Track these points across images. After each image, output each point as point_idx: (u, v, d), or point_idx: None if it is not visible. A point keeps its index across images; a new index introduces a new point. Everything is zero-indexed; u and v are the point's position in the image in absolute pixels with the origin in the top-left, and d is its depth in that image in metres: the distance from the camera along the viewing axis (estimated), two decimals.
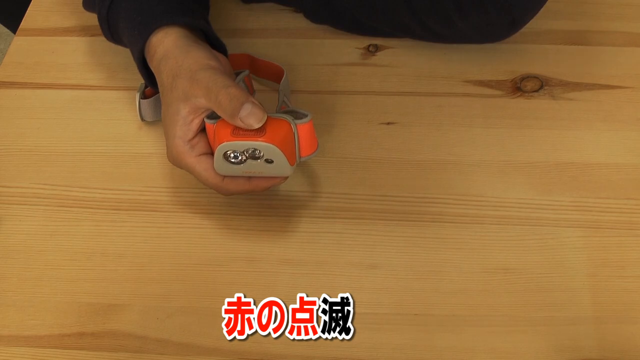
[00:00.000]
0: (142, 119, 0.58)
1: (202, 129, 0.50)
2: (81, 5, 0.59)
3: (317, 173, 0.56)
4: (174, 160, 0.51)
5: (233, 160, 0.48)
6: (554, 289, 0.50)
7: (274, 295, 0.50)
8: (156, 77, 0.51)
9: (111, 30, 0.55)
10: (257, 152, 0.47)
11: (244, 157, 0.48)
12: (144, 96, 0.58)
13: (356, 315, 0.49)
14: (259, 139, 0.46)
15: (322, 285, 0.50)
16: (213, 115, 0.49)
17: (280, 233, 0.53)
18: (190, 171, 0.50)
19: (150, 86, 0.55)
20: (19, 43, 0.66)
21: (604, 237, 0.52)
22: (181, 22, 0.51)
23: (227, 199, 0.55)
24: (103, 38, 0.57)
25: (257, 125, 0.46)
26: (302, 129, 0.49)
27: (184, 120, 0.49)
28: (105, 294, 0.51)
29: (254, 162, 0.48)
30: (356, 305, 0.50)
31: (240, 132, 0.47)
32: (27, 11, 0.69)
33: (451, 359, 0.47)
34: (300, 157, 0.50)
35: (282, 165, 0.48)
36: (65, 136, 0.59)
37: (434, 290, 0.50)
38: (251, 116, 0.46)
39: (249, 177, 0.50)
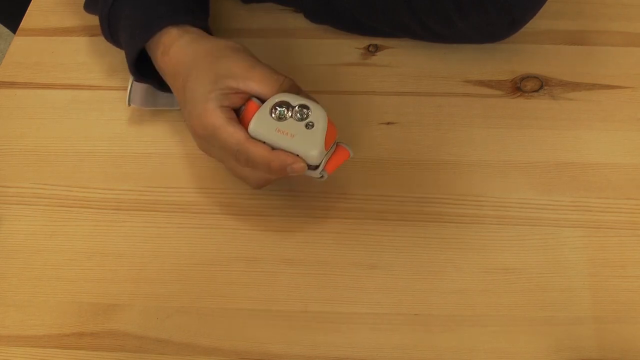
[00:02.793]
0: (129, 103, 0.57)
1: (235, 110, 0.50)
2: (80, 5, 0.59)
3: None
4: (197, 121, 0.48)
5: (275, 115, 0.48)
6: (554, 289, 0.50)
7: (273, 295, 0.50)
8: (179, 58, 0.51)
9: (111, 29, 0.55)
10: (305, 113, 0.48)
11: (289, 115, 0.48)
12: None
13: (356, 316, 0.49)
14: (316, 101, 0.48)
15: (322, 285, 0.50)
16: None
17: (280, 233, 0.53)
18: (214, 130, 0.48)
19: (141, 81, 0.55)
20: (19, 43, 0.66)
21: (604, 237, 0.52)
22: (190, 22, 0.52)
23: (227, 199, 0.55)
24: (103, 38, 0.57)
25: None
26: (341, 150, 0.49)
27: (222, 91, 0.48)
28: (105, 294, 0.51)
29: (294, 122, 0.47)
30: (356, 306, 0.50)
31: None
32: (27, 11, 0.69)
33: (451, 359, 0.47)
34: (324, 164, 0.49)
35: (317, 137, 0.47)
36: (65, 136, 0.59)
37: (434, 290, 0.50)
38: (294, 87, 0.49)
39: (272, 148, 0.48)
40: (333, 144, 0.49)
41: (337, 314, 0.49)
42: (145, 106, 0.58)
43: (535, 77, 0.61)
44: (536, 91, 0.60)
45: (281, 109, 0.48)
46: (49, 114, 0.61)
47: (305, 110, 0.48)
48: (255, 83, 0.48)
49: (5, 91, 0.63)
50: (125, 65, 0.54)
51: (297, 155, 0.47)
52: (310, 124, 0.47)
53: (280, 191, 0.55)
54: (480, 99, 0.60)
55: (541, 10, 0.58)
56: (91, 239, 0.53)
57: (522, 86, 0.61)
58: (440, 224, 0.53)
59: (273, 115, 0.48)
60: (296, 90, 0.50)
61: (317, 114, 0.48)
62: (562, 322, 0.48)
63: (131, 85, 0.57)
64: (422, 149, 0.57)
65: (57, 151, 0.58)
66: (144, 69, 0.54)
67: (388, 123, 0.59)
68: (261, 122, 0.48)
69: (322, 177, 0.49)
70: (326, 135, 0.47)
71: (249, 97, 0.49)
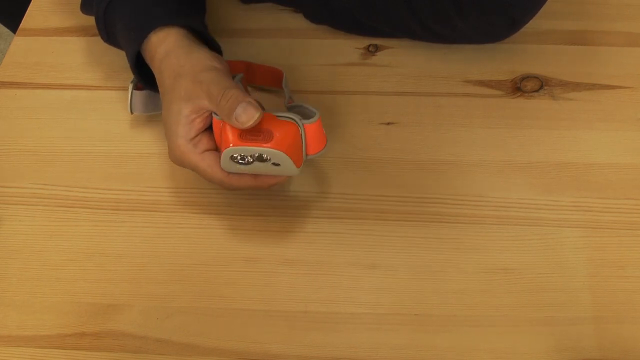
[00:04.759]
0: (132, 111, 0.57)
1: (206, 129, 0.50)
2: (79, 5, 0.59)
3: (317, 173, 0.56)
4: (177, 159, 0.51)
5: (240, 161, 0.48)
6: (554, 289, 0.50)
7: (273, 295, 0.50)
8: (157, 76, 0.52)
9: (107, 30, 0.55)
10: (264, 155, 0.47)
11: (251, 160, 0.48)
12: (136, 88, 0.57)
13: (356, 316, 0.49)
14: (266, 145, 0.47)
15: (322, 285, 0.50)
16: None
17: (280, 233, 0.53)
18: (195, 169, 0.50)
19: (144, 85, 0.55)
20: (19, 43, 0.66)
21: (604, 237, 0.52)
22: (181, 23, 0.52)
23: (226, 199, 0.55)
24: None
25: (249, 123, 0.46)
26: (310, 128, 0.49)
27: (186, 120, 0.49)
28: (105, 294, 0.51)
29: (260, 164, 0.48)
30: (356, 306, 0.50)
31: (247, 135, 0.47)
32: (27, 11, 0.69)
33: (451, 359, 0.47)
34: (307, 155, 0.50)
35: (288, 168, 0.48)
36: (65, 136, 0.59)
37: (434, 290, 0.50)
38: (244, 114, 0.46)
39: (255, 175, 0.50)
40: (301, 137, 0.49)
41: (337, 314, 0.49)
42: (147, 112, 0.58)
43: (535, 77, 0.61)
44: (536, 91, 0.60)
45: (240, 157, 0.48)
46: (49, 114, 0.61)
47: (263, 155, 0.47)
48: (207, 101, 0.48)
49: (5, 91, 0.63)
50: (126, 65, 0.54)
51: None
52: (276, 163, 0.48)
53: (280, 191, 0.55)
54: (480, 99, 0.60)
55: (542, 10, 0.58)
56: (91, 239, 0.53)
57: (522, 86, 0.61)
58: (440, 224, 0.53)
59: (236, 161, 0.48)
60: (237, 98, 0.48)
61: (275, 156, 0.47)
62: (562, 322, 0.48)
63: (131, 95, 0.57)
64: (422, 149, 0.57)
65: (57, 151, 0.58)
66: (145, 67, 0.54)
67: (388, 123, 0.59)
68: (231, 168, 0.49)
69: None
70: (291, 157, 0.48)
71: (205, 117, 0.49)
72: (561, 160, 0.56)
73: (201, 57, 0.50)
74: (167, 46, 0.50)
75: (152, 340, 0.49)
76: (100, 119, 0.60)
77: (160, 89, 0.51)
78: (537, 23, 0.63)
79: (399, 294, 0.50)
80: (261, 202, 0.55)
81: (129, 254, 0.53)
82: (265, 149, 0.47)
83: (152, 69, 0.52)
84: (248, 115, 0.46)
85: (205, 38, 0.54)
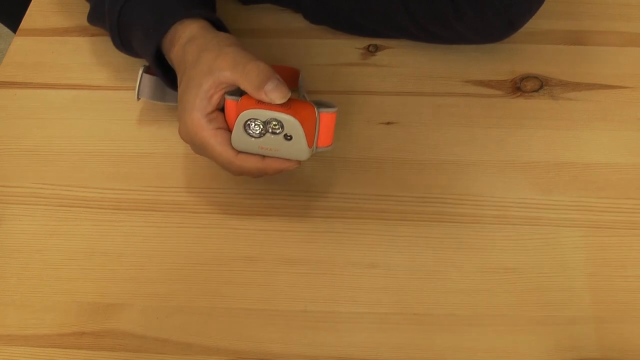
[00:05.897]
0: (139, 96, 0.57)
1: (221, 108, 0.50)
2: (80, 5, 0.59)
3: (317, 173, 0.56)
4: (188, 134, 0.50)
5: (252, 132, 0.48)
6: (554, 289, 0.50)
7: (273, 295, 0.50)
8: (178, 59, 0.52)
9: (122, 38, 0.55)
10: (278, 126, 0.47)
11: (264, 131, 0.48)
12: (147, 72, 0.57)
13: (356, 315, 0.49)
14: (284, 111, 0.47)
15: (322, 285, 0.50)
16: (234, 93, 0.49)
17: (280, 233, 0.53)
18: (204, 145, 0.50)
19: (164, 80, 0.55)
20: (19, 43, 0.66)
21: (604, 236, 0.52)
22: (201, 15, 0.52)
23: (227, 198, 0.55)
24: (103, 38, 0.57)
25: (279, 101, 0.47)
26: (325, 117, 0.49)
27: (205, 94, 0.49)
28: (104, 294, 0.51)
29: (272, 136, 0.48)
30: (356, 305, 0.50)
31: (265, 104, 0.47)
32: (27, 11, 0.69)
33: (451, 358, 0.47)
34: (317, 146, 0.50)
35: (299, 145, 0.48)
36: (65, 136, 0.59)
37: (434, 290, 0.50)
38: (276, 91, 0.47)
39: (263, 157, 0.50)
40: (315, 121, 0.49)
41: (337, 313, 0.49)
42: (154, 100, 0.58)
43: (535, 77, 0.61)
44: (536, 91, 0.60)
45: (254, 125, 0.48)
46: (49, 114, 0.61)
47: (277, 124, 0.48)
48: (229, 72, 0.48)
49: (5, 91, 0.63)
50: (126, 65, 0.54)
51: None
52: (288, 136, 0.48)
53: (280, 191, 0.55)
54: (480, 99, 0.60)
55: (541, 10, 0.58)
56: (91, 239, 0.53)
57: (522, 86, 0.61)
58: (440, 224, 0.53)
59: (249, 131, 0.48)
60: (264, 75, 0.48)
61: (290, 125, 0.47)
62: (562, 322, 0.48)
63: (140, 79, 0.57)
64: (422, 149, 0.57)
65: (57, 151, 0.58)
66: (162, 65, 0.54)
67: (388, 123, 0.59)
68: (241, 142, 0.49)
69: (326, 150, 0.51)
70: (305, 134, 0.48)
71: (223, 94, 0.49)
72: (561, 160, 0.56)
73: (227, 36, 0.51)
74: (192, 31, 0.51)
75: (152, 340, 0.49)
76: (100, 119, 0.60)
77: (179, 70, 0.51)
78: (537, 23, 0.63)
79: (399, 293, 0.50)
80: (261, 202, 0.55)
81: (128, 254, 0.53)
82: (281, 115, 0.47)
83: (171, 55, 0.52)
84: (281, 93, 0.47)
85: (224, 30, 0.54)
